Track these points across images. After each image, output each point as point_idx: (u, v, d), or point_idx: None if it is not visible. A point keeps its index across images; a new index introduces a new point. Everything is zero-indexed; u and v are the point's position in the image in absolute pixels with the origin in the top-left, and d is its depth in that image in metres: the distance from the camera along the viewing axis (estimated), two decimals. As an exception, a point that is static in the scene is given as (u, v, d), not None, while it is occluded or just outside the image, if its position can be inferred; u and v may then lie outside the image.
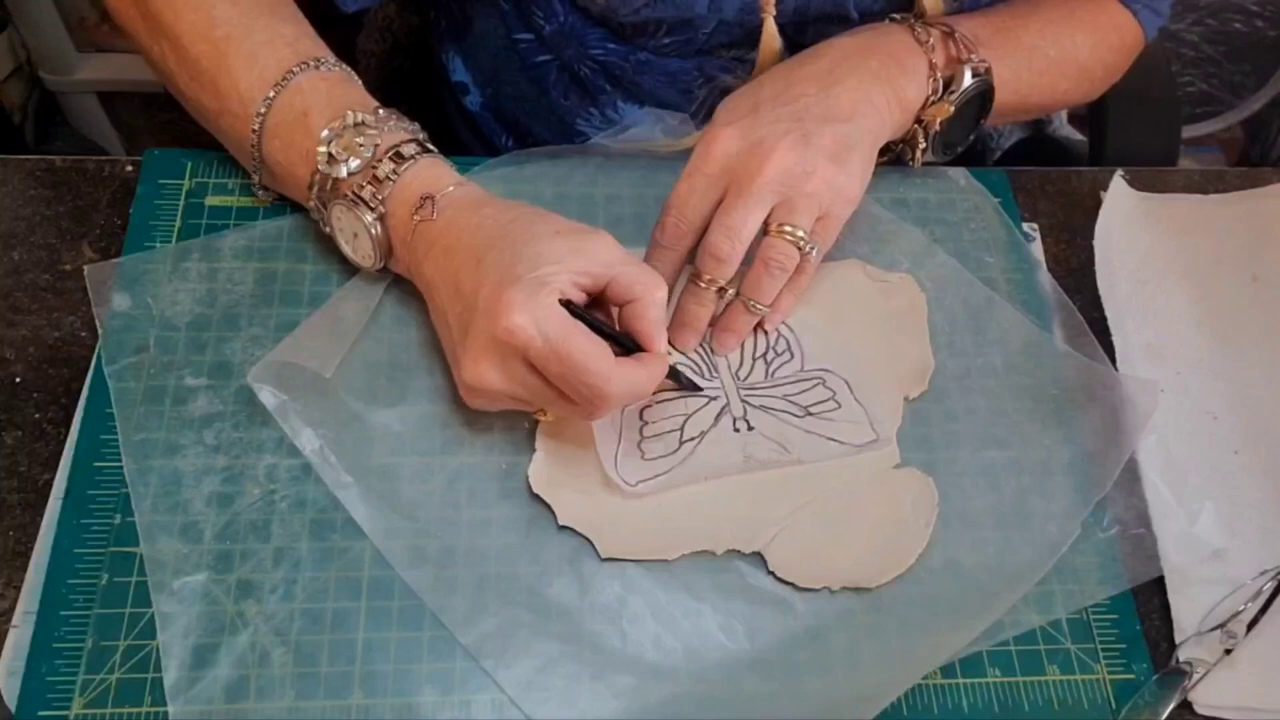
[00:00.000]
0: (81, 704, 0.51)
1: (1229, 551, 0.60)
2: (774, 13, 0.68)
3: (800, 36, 0.72)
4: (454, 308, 0.55)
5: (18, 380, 0.60)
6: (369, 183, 0.58)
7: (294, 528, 0.56)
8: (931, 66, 0.65)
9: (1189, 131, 1.63)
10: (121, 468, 0.57)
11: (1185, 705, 0.56)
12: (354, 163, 0.57)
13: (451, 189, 0.57)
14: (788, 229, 0.59)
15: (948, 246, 0.70)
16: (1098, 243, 0.71)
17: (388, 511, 0.57)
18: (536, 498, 0.58)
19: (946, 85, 0.66)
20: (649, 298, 0.54)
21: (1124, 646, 0.57)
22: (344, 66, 0.62)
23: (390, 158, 0.58)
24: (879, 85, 0.63)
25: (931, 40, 0.65)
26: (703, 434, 0.61)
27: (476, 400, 0.56)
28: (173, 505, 0.56)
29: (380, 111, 0.59)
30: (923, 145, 0.68)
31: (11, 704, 0.51)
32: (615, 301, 0.56)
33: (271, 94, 0.59)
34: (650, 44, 0.74)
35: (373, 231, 0.58)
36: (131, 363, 0.60)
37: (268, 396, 0.58)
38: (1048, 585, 0.58)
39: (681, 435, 0.60)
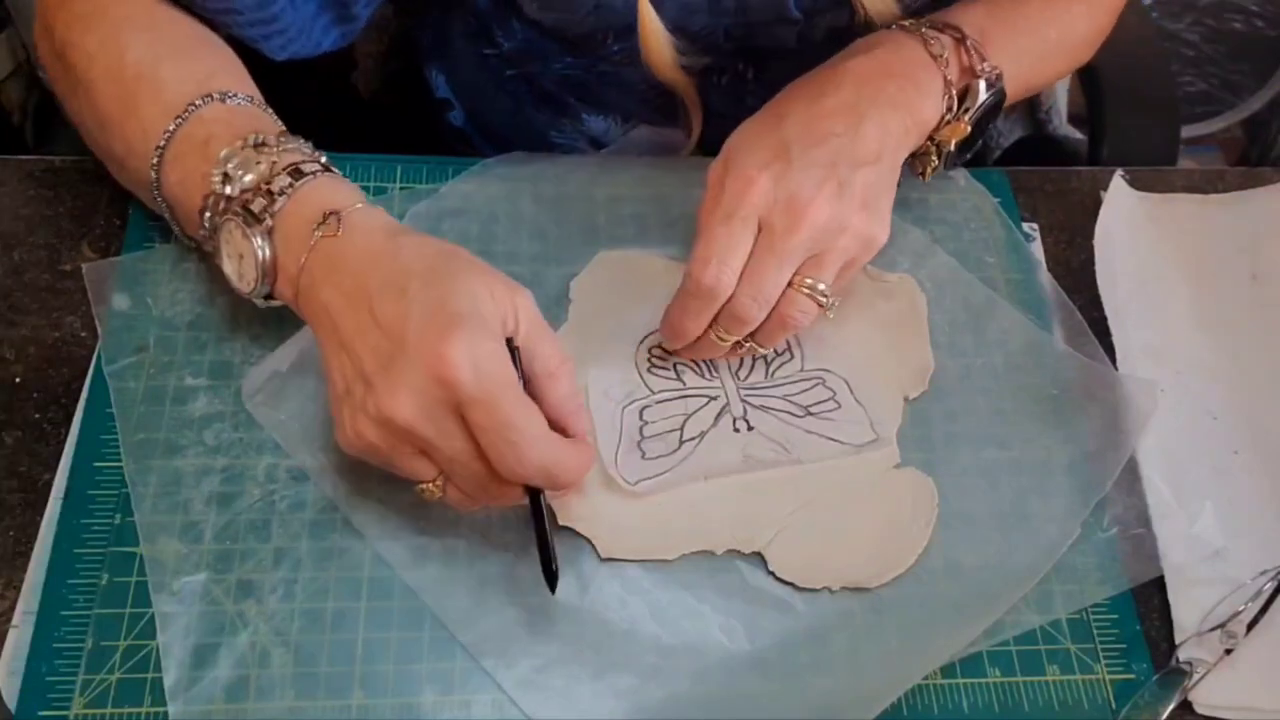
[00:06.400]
0: (81, 704, 0.51)
1: (1229, 551, 0.60)
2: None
3: (750, 40, 0.71)
4: (367, 338, 0.50)
5: (18, 380, 0.60)
6: (261, 196, 0.54)
7: (294, 528, 0.56)
8: (946, 83, 0.63)
9: (1189, 131, 1.63)
10: (121, 468, 0.57)
11: (1185, 705, 0.56)
12: (248, 178, 0.55)
13: (360, 206, 0.54)
14: (809, 283, 0.58)
15: (948, 246, 0.70)
16: (1098, 243, 0.71)
17: (387, 512, 0.57)
18: (536, 498, 0.58)
19: (960, 98, 0.64)
20: (562, 372, 0.52)
21: (1124, 646, 0.57)
22: (257, 101, 0.60)
23: (288, 173, 0.55)
24: (898, 114, 0.61)
25: (945, 53, 0.63)
26: (703, 434, 0.61)
27: (368, 438, 0.51)
28: (173, 505, 0.56)
29: (285, 136, 0.57)
30: (935, 164, 0.67)
31: (11, 704, 0.50)
32: (526, 371, 0.52)
33: (172, 126, 0.57)
34: (603, 53, 0.73)
35: (258, 249, 0.54)
36: (131, 363, 0.60)
37: (264, 414, 0.59)
38: (1048, 585, 0.58)
39: (681, 435, 0.60)
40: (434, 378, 0.48)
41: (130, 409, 0.58)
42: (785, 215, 0.56)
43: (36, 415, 0.59)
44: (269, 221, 0.54)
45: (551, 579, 0.52)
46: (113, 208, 0.66)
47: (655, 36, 0.64)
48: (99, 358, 0.60)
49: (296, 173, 0.55)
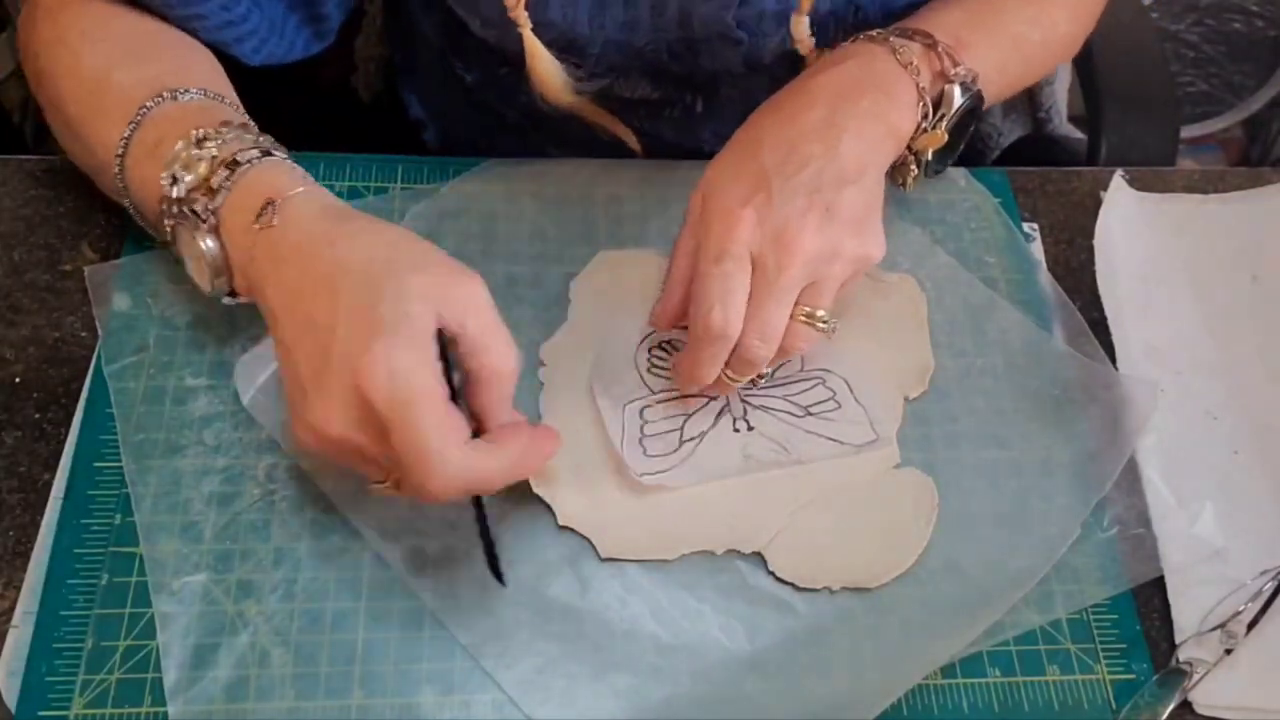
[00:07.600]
0: (81, 704, 0.51)
1: (1229, 551, 0.60)
2: (528, 25, 0.63)
3: (694, 62, 0.70)
4: (304, 342, 0.49)
5: (18, 380, 0.60)
6: (203, 194, 0.53)
7: (294, 528, 0.56)
8: (920, 91, 0.61)
9: (1189, 131, 1.63)
10: (121, 468, 0.57)
11: (1185, 705, 0.56)
12: (189, 177, 0.53)
13: (299, 191, 0.52)
14: (808, 311, 0.57)
15: (948, 246, 0.70)
16: (1098, 243, 0.71)
17: (387, 512, 0.57)
18: (536, 498, 0.58)
19: (935, 105, 0.63)
20: (505, 370, 0.50)
21: (1124, 646, 0.57)
22: (211, 93, 0.58)
23: (226, 165, 0.53)
24: (874, 125, 0.59)
25: (915, 61, 0.61)
26: (703, 434, 0.61)
27: (312, 445, 0.50)
28: (173, 505, 0.56)
29: (226, 125, 0.55)
30: (915, 173, 0.66)
31: (11, 704, 0.51)
32: (464, 361, 0.50)
33: (127, 132, 0.56)
34: None
35: (206, 249, 0.53)
36: (131, 363, 0.60)
37: (264, 414, 0.59)
38: (1048, 585, 0.58)
39: (681, 435, 0.60)
40: (355, 390, 0.47)
41: (130, 409, 0.58)
42: (776, 252, 0.55)
43: (36, 415, 0.59)
44: (212, 220, 0.53)
45: (497, 575, 0.53)
46: (113, 208, 0.66)
47: (542, 61, 0.63)
48: (99, 358, 0.60)
49: (234, 164, 0.53)
